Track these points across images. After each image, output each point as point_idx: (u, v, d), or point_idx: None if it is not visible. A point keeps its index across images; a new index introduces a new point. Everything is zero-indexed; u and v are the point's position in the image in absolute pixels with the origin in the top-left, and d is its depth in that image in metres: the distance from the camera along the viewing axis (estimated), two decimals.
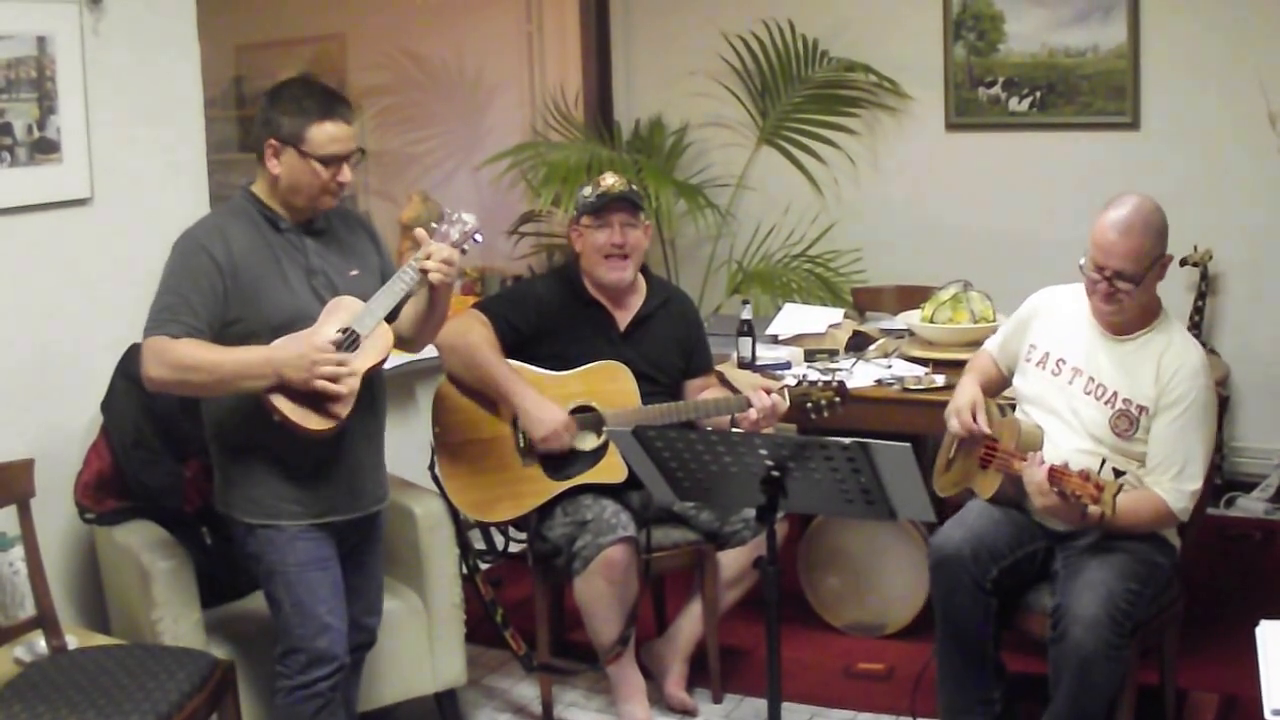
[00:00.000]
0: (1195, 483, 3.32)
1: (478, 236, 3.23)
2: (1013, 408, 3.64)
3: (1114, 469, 3.15)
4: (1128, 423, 3.37)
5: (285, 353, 3.00)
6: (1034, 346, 3.58)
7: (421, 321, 3.29)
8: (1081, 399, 3.44)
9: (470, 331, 3.89)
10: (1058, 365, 3.50)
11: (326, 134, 3.07)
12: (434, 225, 3.21)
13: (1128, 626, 3.24)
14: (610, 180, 4.01)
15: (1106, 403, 3.40)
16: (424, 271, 3.11)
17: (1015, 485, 3.39)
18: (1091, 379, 3.43)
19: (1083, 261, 3.39)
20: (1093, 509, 3.11)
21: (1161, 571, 3.39)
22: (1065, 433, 3.43)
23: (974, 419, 3.52)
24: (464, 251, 3.22)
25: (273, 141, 3.08)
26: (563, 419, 3.85)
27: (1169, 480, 3.31)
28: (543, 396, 3.86)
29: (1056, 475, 3.18)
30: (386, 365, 3.25)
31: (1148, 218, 3.34)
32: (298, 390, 3.00)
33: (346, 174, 3.13)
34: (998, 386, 3.72)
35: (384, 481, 3.36)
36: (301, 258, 3.15)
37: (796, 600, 4.46)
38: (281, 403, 3.01)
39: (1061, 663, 3.25)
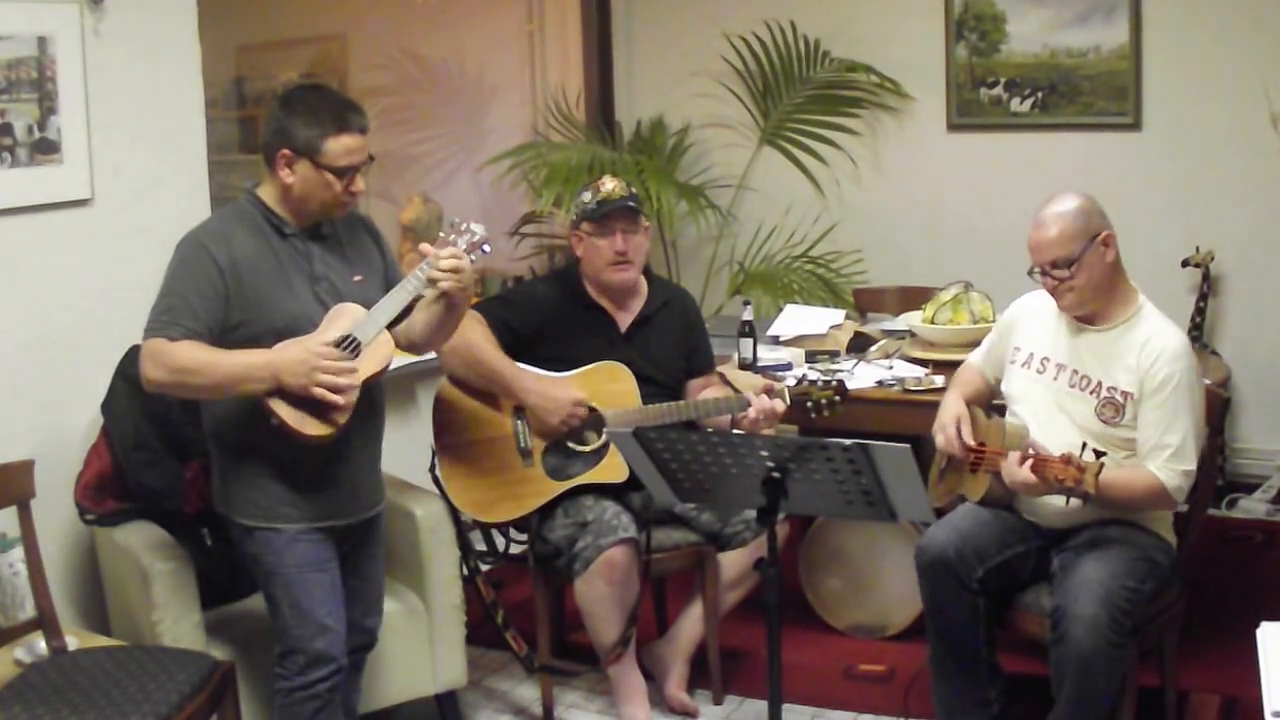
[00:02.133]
0: (1189, 462, 3.34)
1: (485, 247, 3.22)
2: (1002, 411, 3.65)
3: (1094, 450, 3.17)
4: (1114, 410, 3.40)
5: (285, 358, 2.98)
6: (1018, 349, 3.62)
7: (436, 328, 3.27)
8: (1067, 393, 3.47)
9: (468, 331, 3.88)
10: (1042, 364, 3.54)
11: (343, 146, 3.06)
12: (441, 234, 3.20)
13: (1127, 625, 3.25)
14: (609, 186, 4.00)
15: (1091, 393, 3.43)
16: (432, 281, 3.10)
17: (1004, 485, 3.43)
18: (1075, 372, 3.47)
19: (1032, 271, 3.46)
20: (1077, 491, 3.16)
21: (1160, 570, 3.40)
22: (1054, 428, 3.44)
23: (959, 433, 3.55)
24: (472, 261, 3.21)
25: (286, 152, 3.06)
26: (572, 396, 3.85)
27: (1164, 462, 3.33)
28: (545, 381, 3.88)
29: (1040, 463, 3.22)
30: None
31: (1064, 204, 3.42)
32: (297, 396, 2.99)
33: (360, 184, 3.12)
34: (985, 398, 3.75)
35: (380, 486, 3.36)
36: (305, 263, 3.14)
37: (797, 602, 4.46)
38: (280, 407, 3.00)
39: (1063, 664, 3.25)
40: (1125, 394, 3.39)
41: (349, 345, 3.05)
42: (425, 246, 3.17)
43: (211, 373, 2.98)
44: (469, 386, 3.94)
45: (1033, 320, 3.62)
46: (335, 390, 2.98)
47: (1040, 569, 3.51)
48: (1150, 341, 3.38)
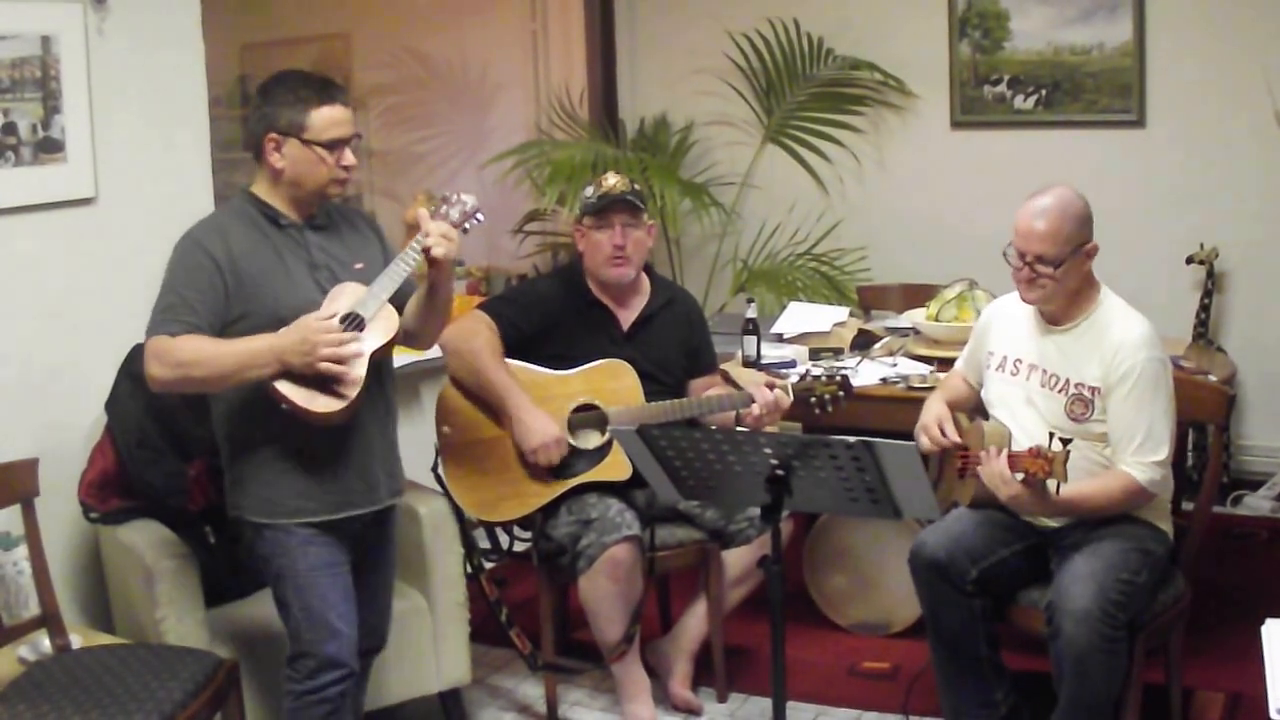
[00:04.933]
0: (1159, 452, 3.34)
1: (479, 216, 3.21)
2: (986, 415, 3.66)
3: (1060, 439, 3.21)
4: (1083, 406, 3.41)
5: (287, 338, 2.97)
6: (992, 353, 3.64)
7: (424, 312, 3.24)
8: (1039, 392, 3.49)
9: (476, 336, 3.89)
10: (1015, 365, 3.56)
11: (327, 118, 3.06)
12: (433, 207, 3.19)
13: (1121, 618, 3.25)
14: (612, 180, 4.00)
15: (1060, 391, 3.45)
16: (426, 251, 3.08)
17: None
18: (1044, 371, 3.49)
19: (1007, 250, 3.45)
20: (1050, 483, 3.19)
21: (1155, 559, 3.40)
22: (1029, 428, 3.46)
23: (941, 433, 3.56)
24: (465, 230, 3.19)
25: (273, 135, 3.05)
26: (554, 433, 3.84)
27: (1132, 455, 3.34)
28: (537, 409, 3.86)
29: (1012, 459, 3.27)
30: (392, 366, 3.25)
31: (1067, 205, 3.40)
32: (303, 375, 2.98)
33: (349, 157, 3.10)
34: (970, 402, 3.76)
35: (398, 473, 3.32)
36: (304, 252, 3.13)
37: (801, 599, 4.46)
38: (287, 389, 2.97)
39: (1060, 659, 3.26)
40: (1093, 389, 3.40)
41: (352, 322, 3.03)
42: (421, 212, 3.15)
43: (215, 363, 2.97)
44: (470, 388, 3.95)
45: (1003, 323, 3.64)
46: (340, 361, 2.97)
47: (1040, 566, 3.51)
48: (1111, 334, 3.40)
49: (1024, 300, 3.50)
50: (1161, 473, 3.36)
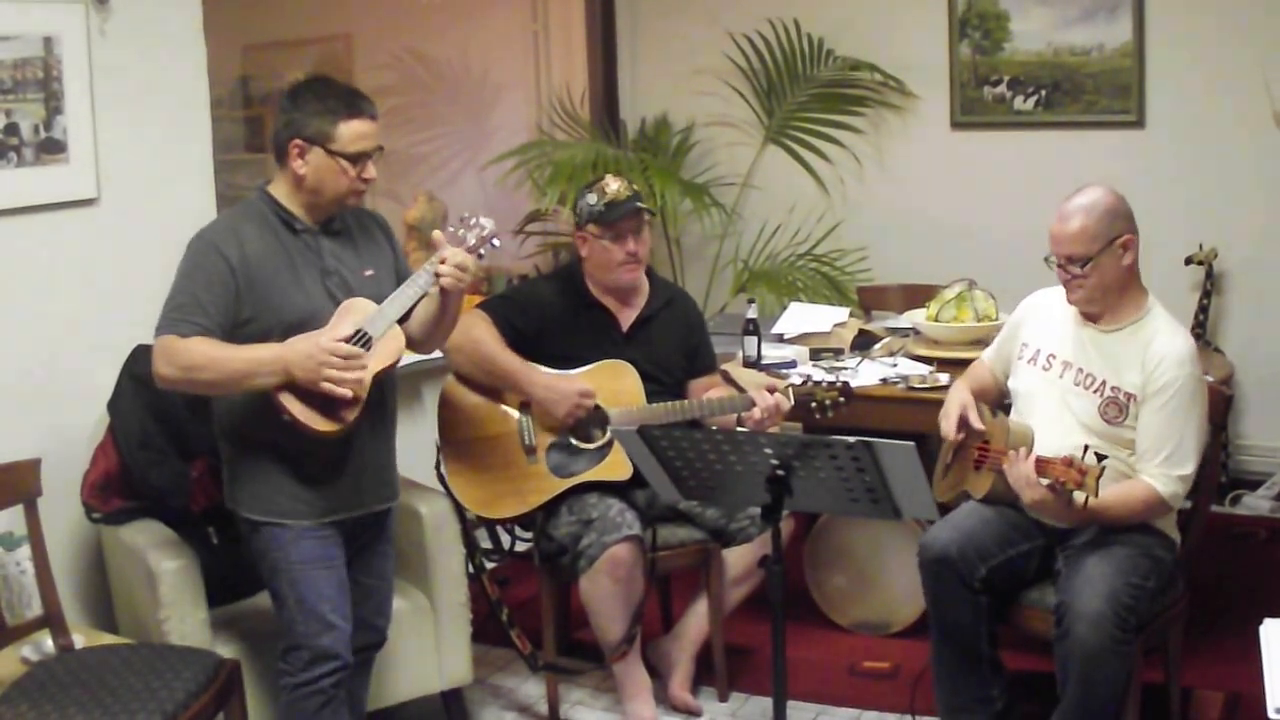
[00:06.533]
0: (1185, 467, 3.35)
1: (495, 241, 3.23)
2: (1007, 409, 3.66)
3: (1095, 454, 3.18)
4: (1117, 410, 3.40)
5: (295, 351, 3.00)
6: (1025, 345, 3.63)
7: (432, 324, 3.29)
8: (1072, 391, 3.48)
9: (474, 328, 3.90)
10: (1049, 361, 3.54)
11: (354, 131, 3.07)
12: (451, 228, 3.20)
13: (1131, 621, 3.25)
14: (614, 186, 3.99)
15: (1095, 391, 3.44)
16: (437, 275, 3.11)
17: (1007, 484, 3.43)
18: (1081, 370, 3.47)
19: (1049, 256, 3.46)
20: (1078, 495, 3.17)
21: (1164, 566, 3.40)
22: (1057, 425, 3.45)
23: (965, 421, 3.56)
24: (481, 256, 3.21)
25: (298, 141, 3.07)
26: (578, 387, 3.87)
27: (1157, 466, 3.34)
28: (550, 377, 3.89)
29: (1041, 464, 3.23)
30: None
31: (1094, 202, 3.40)
32: (307, 390, 3.01)
33: (371, 171, 3.12)
34: (992, 394, 3.76)
35: (393, 481, 3.36)
36: (316, 258, 3.15)
37: (802, 599, 4.46)
38: (290, 402, 3.01)
39: (1067, 660, 3.26)
40: (1129, 395, 3.39)
41: (360, 340, 3.06)
42: (438, 235, 3.18)
43: (222, 368, 2.99)
44: (474, 384, 3.96)
45: (1041, 317, 3.63)
46: (342, 385, 2.99)
47: (1045, 567, 3.51)
48: (1156, 345, 3.39)
49: (1069, 302, 3.49)
50: (1185, 488, 3.36)
